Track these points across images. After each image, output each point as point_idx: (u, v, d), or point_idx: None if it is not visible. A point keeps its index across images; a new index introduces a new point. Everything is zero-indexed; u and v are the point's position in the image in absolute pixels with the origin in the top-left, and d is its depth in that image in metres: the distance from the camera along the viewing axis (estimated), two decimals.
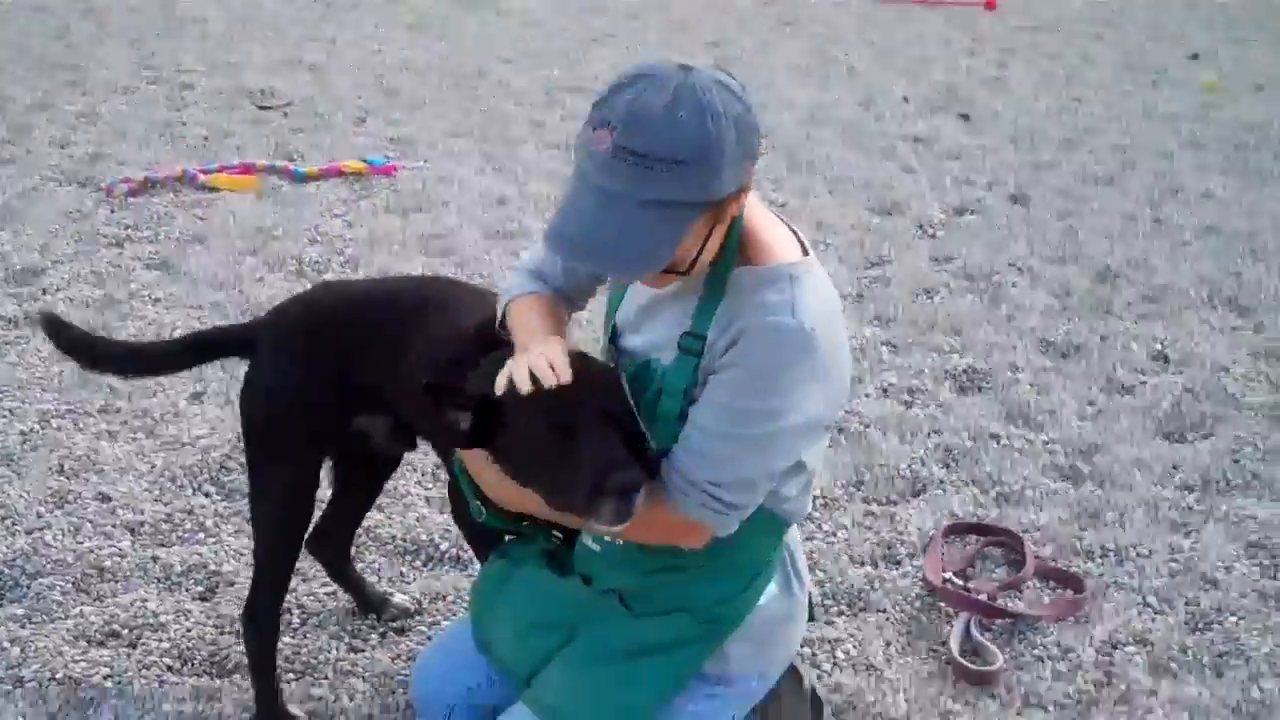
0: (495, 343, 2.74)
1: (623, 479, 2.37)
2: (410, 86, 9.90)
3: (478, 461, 2.65)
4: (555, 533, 2.84)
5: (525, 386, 2.41)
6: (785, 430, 2.47)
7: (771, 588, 2.82)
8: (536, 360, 2.43)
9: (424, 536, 4.09)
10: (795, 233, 2.62)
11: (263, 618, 3.26)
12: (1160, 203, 7.70)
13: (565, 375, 2.42)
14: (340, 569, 3.74)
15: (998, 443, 4.76)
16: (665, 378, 2.55)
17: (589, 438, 2.42)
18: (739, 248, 2.51)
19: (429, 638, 3.63)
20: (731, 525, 2.56)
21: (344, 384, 3.08)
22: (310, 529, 3.47)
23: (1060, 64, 11.69)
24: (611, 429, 2.45)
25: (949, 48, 12.25)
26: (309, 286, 5.83)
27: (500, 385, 2.48)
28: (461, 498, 2.83)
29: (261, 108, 9.12)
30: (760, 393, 2.43)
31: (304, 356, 3.12)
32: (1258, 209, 7.59)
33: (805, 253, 2.57)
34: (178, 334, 5.37)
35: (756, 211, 2.55)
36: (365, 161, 7.78)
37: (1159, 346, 5.61)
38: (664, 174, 2.24)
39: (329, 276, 6.08)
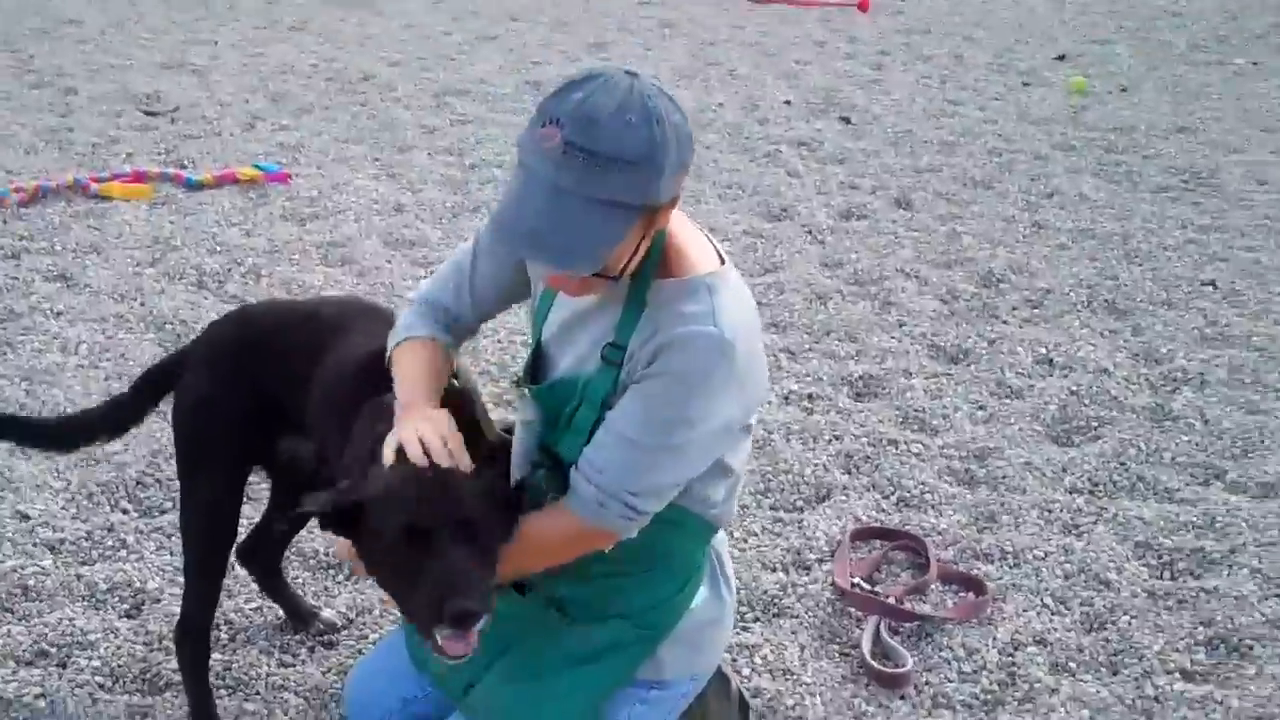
0: (378, 383, 2.83)
1: (461, 607, 2.42)
2: (296, 91, 9.87)
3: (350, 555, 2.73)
4: None
5: (420, 460, 2.54)
6: (701, 436, 2.58)
7: (703, 591, 2.93)
8: (427, 436, 2.57)
9: None
10: (711, 241, 2.74)
11: (194, 631, 3.32)
12: (1037, 206, 7.92)
13: (464, 461, 2.57)
14: (270, 582, 3.79)
15: (895, 448, 4.91)
16: (587, 389, 2.65)
17: (439, 554, 2.47)
18: (659, 259, 2.61)
19: (359, 651, 3.69)
20: (634, 530, 2.66)
21: (267, 403, 3.15)
22: (243, 540, 3.55)
23: (934, 65, 11.91)
24: (465, 545, 2.49)
25: (825, 50, 12.44)
26: (208, 296, 5.92)
27: (388, 455, 2.59)
28: None
29: (148, 113, 9.04)
30: (681, 401, 2.53)
31: (228, 372, 3.18)
32: (1129, 211, 7.83)
33: (722, 261, 2.68)
34: (83, 349, 5.37)
35: (675, 222, 2.65)
36: (259, 168, 7.76)
37: (1044, 351, 5.79)
38: (612, 174, 2.35)
39: (230, 288, 6.10)
